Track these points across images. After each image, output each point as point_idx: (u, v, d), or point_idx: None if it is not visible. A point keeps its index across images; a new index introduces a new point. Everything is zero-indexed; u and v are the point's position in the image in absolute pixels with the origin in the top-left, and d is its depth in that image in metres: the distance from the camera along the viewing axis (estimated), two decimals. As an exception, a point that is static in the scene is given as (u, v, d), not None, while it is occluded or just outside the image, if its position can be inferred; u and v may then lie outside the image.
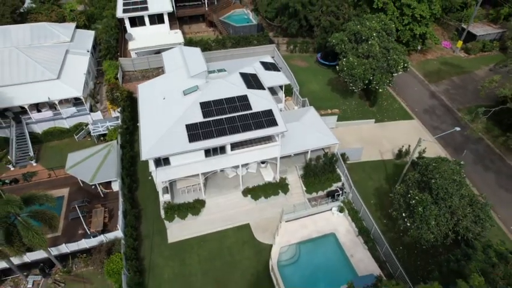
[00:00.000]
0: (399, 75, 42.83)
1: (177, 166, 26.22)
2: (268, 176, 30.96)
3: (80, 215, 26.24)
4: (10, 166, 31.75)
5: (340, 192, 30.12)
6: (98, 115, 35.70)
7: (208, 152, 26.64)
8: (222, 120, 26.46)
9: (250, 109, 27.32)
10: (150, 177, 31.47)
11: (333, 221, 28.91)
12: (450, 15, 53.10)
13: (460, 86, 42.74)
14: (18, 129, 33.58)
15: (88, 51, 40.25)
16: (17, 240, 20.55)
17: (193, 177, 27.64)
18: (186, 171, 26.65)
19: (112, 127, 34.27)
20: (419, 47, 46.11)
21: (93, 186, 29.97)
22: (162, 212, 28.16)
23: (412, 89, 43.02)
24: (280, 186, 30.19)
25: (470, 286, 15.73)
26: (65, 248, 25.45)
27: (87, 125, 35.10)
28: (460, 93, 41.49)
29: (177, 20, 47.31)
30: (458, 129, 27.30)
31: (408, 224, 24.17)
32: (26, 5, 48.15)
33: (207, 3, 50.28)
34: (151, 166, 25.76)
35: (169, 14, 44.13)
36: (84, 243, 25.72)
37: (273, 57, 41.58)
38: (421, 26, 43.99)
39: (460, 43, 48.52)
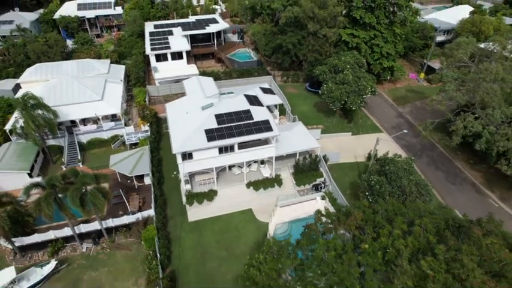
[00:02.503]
0: (373, 101, 53.01)
1: (198, 160, 34.88)
2: (266, 172, 39.50)
3: (124, 198, 34.43)
4: (63, 167, 40.24)
5: (323, 185, 38.50)
6: (130, 129, 44.77)
7: (221, 150, 35.39)
8: (231, 127, 35.54)
9: (252, 119, 36.54)
10: (172, 175, 40.30)
11: (317, 206, 36.84)
12: (415, 53, 64.60)
13: (421, 107, 52.64)
14: (70, 138, 42.52)
15: (121, 81, 50.43)
16: (86, 205, 28.74)
17: (209, 171, 36.27)
18: (205, 165, 35.37)
19: (142, 137, 43.23)
20: (388, 78, 56.63)
21: (128, 181, 38.34)
22: (184, 198, 36.41)
23: (383, 111, 52.81)
24: (275, 181, 38.65)
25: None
26: (111, 223, 33.35)
27: (122, 136, 44.12)
28: (421, 113, 51.25)
29: (192, 56, 58.25)
30: (405, 131, 36.46)
31: (370, 200, 32.42)
32: (69, 46, 59.44)
33: (216, 43, 61.68)
34: (179, 159, 34.36)
35: (186, 52, 55.06)
36: (126, 219, 33.65)
37: (270, 85, 51.66)
38: (389, 61, 54.85)
39: (422, 75, 59.25)
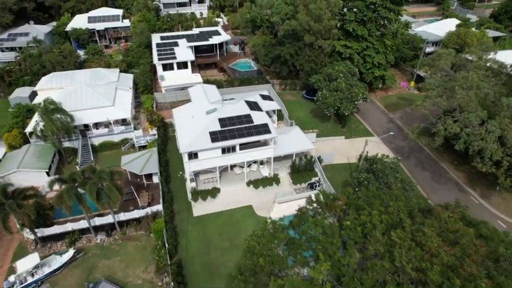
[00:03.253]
0: (366, 107, 56.52)
1: (203, 160, 38.17)
2: (265, 172, 42.73)
3: (136, 194, 37.60)
4: (77, 167, 43.51)
5: (317, 183, 41.68)
6: (139, 132, 48.17)
7: (224, 151, 38.69)
8: (233, 129, 38.93)
9: (252, 123, 39.96)
10: (178, 175, 43.49)
11: (312, 202, 39.98)
12: (406, 63, 68.51)
13: (410, 113, 56.12)
14: (83, 141, 45.92)
15: (130, 88, 54.10)
16: (102, 199, 31.93)
17: (212, 170, 39.50)
18: (209, 164, 38.66)
19: (150, 140, 46.62)
20: (380, 86, 60.27)
21: (138, 179, 41.56)
22: (189, 195, 39.56)
23: (375, 116, 56.30)
24: (274, 180, 41.86)
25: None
26: (123, 217, 36.44)
27: (131, 139, 47.48)
28: (410, 118, 54.71)
29: (196, 66, 62.11)
30: (392, 133, 39.83)
31: (359, 196, 35.49)
32: (81, 56, 63.46)
33: (219, 54, 65.65)
34: (185, 159, 37.65)
35: (191, 62, 58.88)
36: (136, 213, 36.76)
37: (269, 93, 55.30)
38: (380, 70, 58.56)
39: (412, 83, 62.95)
